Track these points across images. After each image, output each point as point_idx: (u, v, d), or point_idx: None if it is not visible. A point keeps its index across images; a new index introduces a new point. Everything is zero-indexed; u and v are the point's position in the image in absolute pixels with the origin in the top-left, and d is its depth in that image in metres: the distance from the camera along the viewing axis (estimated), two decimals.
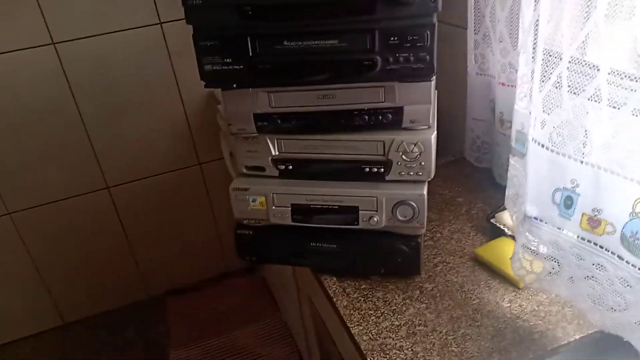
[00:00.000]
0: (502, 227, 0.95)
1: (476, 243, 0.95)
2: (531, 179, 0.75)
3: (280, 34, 0.69)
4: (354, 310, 0.82)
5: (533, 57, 0.75)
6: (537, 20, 0.75)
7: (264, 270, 1.94)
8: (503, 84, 0.94)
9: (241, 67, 0.71)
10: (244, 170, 0.84)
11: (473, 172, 1.14)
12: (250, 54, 0.71)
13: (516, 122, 0.84)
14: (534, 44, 0.76)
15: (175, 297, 2.00)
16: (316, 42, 0.69)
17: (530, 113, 0.75)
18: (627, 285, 0.66)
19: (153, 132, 1.70)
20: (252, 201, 0.84)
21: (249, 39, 0.70)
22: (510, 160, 0.88)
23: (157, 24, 1.53)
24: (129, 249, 1.87)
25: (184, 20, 1.54)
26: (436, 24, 0.67)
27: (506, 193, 0.93)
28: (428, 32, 0.67)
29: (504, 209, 0.96)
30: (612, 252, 0.67)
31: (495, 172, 1.07)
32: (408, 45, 0.68)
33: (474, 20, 0.97)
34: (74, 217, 1.73)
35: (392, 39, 0.68)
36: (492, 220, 0.97)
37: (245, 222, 0.87)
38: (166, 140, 1.73)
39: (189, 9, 0.67)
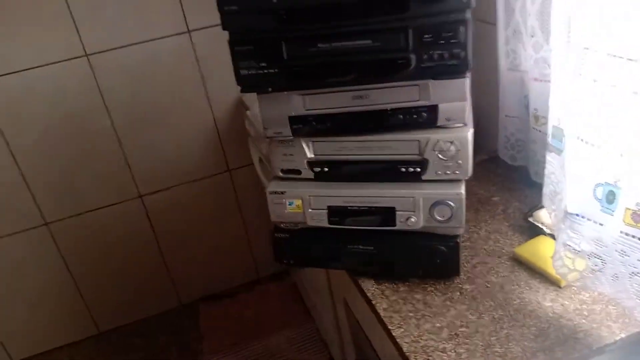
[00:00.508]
0: (540, 225, 0.93)
1: (514, 243, 0.93)
2: (571, 174, 0.73)
3: (314, 36, 0.69)
4: (394, 313, 0.81)
5: (569, 51, 0.74)
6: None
7: (295, 276, 1.95)
8: (536, 79, 0.93)
9: (276, 70, 0.72)
10: (280, 174, 0.85)
11: (508, 171, 1.12)
12: (285, 57, 0.71)
13: (552, 117, 0.82)
14: (568, 37, 0.75)
15: (207, 304, 2.02)
16: (350, 42, 0.69)
17: (567, 108, 0.74)
18: None
19: (183, 139, 1.72)
20: (289, 204, 0.84)
21: (283, 43, 0.70)
22: (547, 156, 0.87)
23: (185, 32, 1.55)
24: (161, 257, 1.90)
25: (212, 27, 1.56)
26: (470, 19, 0.67)
27: (543, 191, 0.92)
28: (462, 28, 0.67)
29: (542, 207, 0.94)
30: None
31: (531, 170, 1.05)
32: (442, 42, 0.68)
33: (503, 15, 0.96)
34: (107, 227, 1.77)
35: (425, 36, 0.68)
36: (529, 219, 0.95)
37: (282, 225, 0.88)
38: (195, 148, 1.76)
39: (225, 15, 0.68)
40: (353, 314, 1.10)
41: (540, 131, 0.97)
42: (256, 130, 1.51)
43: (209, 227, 1.92)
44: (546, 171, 0.88)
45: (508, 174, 1.12)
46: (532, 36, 0.89)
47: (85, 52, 1.48)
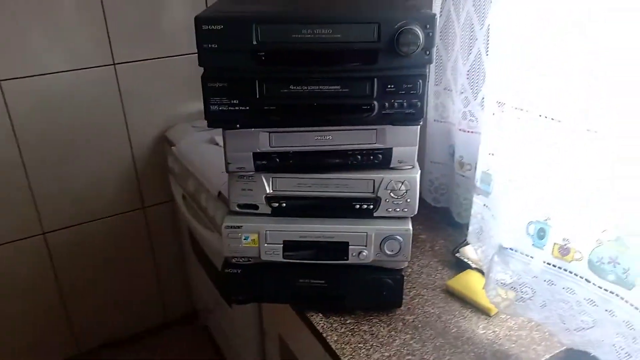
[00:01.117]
0: (466, 260, 1.03)
1: (444, 276, 1.02)
2: (505, 213, 0.84)
3: (288, 78, 0.74)
4: (345, 345, 0.85)
5: (500, 108, 0.86)
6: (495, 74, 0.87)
7: (206, 318, 1.89)
8: (463, 130, 1.05)
9: (247, 108, 0.75)
10: (236, 209, 0.86)
11: (431, 212, 1.23)
12: (257, 96, 0.74)
13: (481, 164, 0.93)
14: (496, 96, 0.87)
15: (110, 351, 1.88)
16: (320, 87, 0.74)
17: (500, 156, 0.85)
18: (594, 305, 0.75)
19: (97, 174, 1.63)
20: (244, 239, 0.85)
21: (257, 82, 0.74)
22: (474, 199, 0.98)
23: (110, 64, 1.51)
24: (61, 299, 1.74)
25: (139, 62, 1.54)
26: (427, 74, 0.76)
27: (470, 229, 1.02)
28: (421, 82, 0.75)
29: (467, 244, 1.05)
30: (580, 276, 0.76)
31: (454, 211, 1.16)
32: (403, 92, 0.75)
33: (434, 73, 1.08)
34: (2, 267, 1.60)
35: (389, 86, 0.75)
36: (456, 255, 1.05)
37: (233, 260, 0.88)
38: (110, 183, 1.67)
39: (203, 53, 0.70)
40: (289, 350, 1.11)
41: (464, 176, 1.09)
42: (182, 167, 1.49)
43: (117, 266, 1.81)
44: (473, 211, 0.99)
45: (432, 214, 1.22)
46: (462, 92, 1.01)
47: None
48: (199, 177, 1.36)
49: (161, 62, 1.58)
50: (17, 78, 1.40)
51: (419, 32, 0.68)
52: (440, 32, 1.02)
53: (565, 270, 0.78)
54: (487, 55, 0.88)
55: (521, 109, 0.80)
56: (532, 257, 0.81)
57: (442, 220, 1.20)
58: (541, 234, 0.78)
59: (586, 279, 0.75)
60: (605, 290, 0.73)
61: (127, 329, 1.92)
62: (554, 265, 0.78)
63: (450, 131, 1.10)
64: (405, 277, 1.00)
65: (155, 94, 1.61)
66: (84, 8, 1.43)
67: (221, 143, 0.82)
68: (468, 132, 1.04)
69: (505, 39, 0.81)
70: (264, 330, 1.27)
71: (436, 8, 0.98)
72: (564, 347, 0.83)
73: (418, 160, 1.22)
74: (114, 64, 1.51)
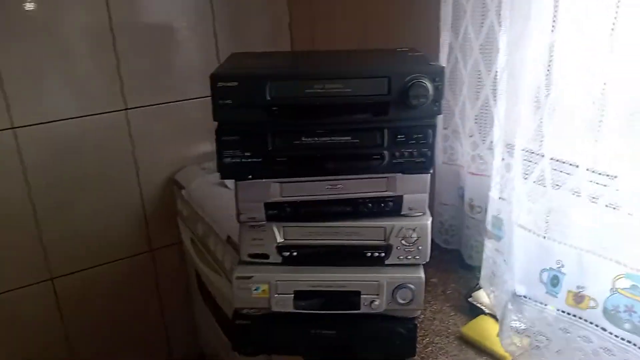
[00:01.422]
0: (479, 305, 1.02)
1: (457, 322, 1.00)
2: (517, 260, 0.83)
3: (299, 130, 0.75)
4: None
5: (508, 152, 0.87)
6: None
7: None
8: (472, 173, 1.06)
9: (259, 160, 0.76)
10: (247, 258, 0.86)
11: (441, 254, 1.22)
12: (270, 148, 0.75)
13: (492, 209, 0.94)
14: (506, 140, 0.88)
15: None
16: (331, 138, 0.75)
17: (510, 202, 0.85)
18: (612, 354, 0.74)
19: (106, 217, 1.64)
20: (255, 290, 0.85)
21: (269, 135, 0.75)
22: (485, 243, 0.97)
23: (122, 109, 1.54)
24: (66, 344, 1.72)
25: (150, 106, 1.57)
26: (437, 124, 0.77)
27: (482, 273, 1.01)
28: (431, 132, 0.76)
29: (479, 288, 1.04)
30: (596, 325, 0.75)
31: (464, 254, 1.15)
32: (413, 142, 0.76)
33: (443, 117, 1.09)
34: (10, 313, 1.59)
35: (399, 136, 0.76)
36: (469, 300, 1.04)
37: (244, 312, 0.87)
38: (118, 227, 1.68)
39: (218, 108, 0.71)
40: None
41: (474, 219, 1.08)
42: (191, 210, 1.50)
43: (123, 309, 1.80)
44: (485, 255, 0.98)
45: (442, 256, 1.21)
46: (470, 136, 1.02)
47: (12, 125, 1.41)
48: (208, 221, 1.36)
49: (172, 106, 1.61)
50: (30, 125, 1.43)
51: (428, 85, 0.70)
52: (448, 78, 1.03)
53: (580, 318, 0.77)
54: (494, 100, 0.89)
55: (531, 152, 0.81)
56: (545, 304, 0.80)
57: (453, 262, 1.19)
58: (555, 282, 0.78)
59: (602, 328, 0.75)
60: (622, 339, 0.72)
61: None
62: (569, 314, 0.78)
63: (459, 174, 1.11)
64: (418, 324, 0.99)
65: (165, 137, 1.64)
66: (97, 54, 1.47)
67: (231, 186, 0.82)
68: (477, 175, 1.04)
69: (513, 83, 0.82)
70: None
71: (443, 55, 1.00)
72: None
73: (428, 202, 1.23)
74: (126, 109, 1.54)
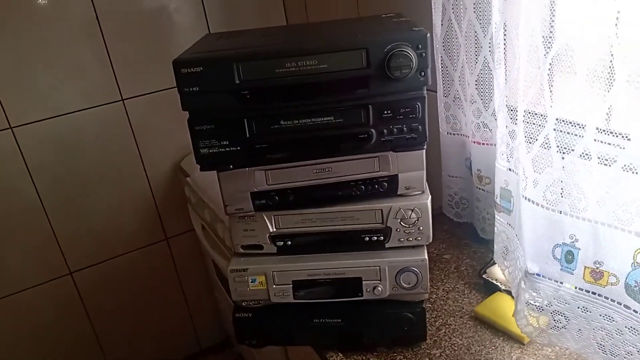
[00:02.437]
0: (495, 282, 0.96)
1: (472, 301, 0.95)
2: (529, 236, 0.77)
3: (276, 114, 0.69)
4: None
5: (512, 118, 0.79)
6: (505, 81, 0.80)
7: (241, 346, 1.86)
8: (478, 143, 0.98)
9: (238, 148, 0.71)
10: (240, 250, 0.82)
11: (454, 228, 1.16)
12: (248, 135, 0.70)
13: (499, 180, 0.87)
14: (508, 104, 0.80)
15: None
16: (312, 119, 0.70)
17: (517, 173, 0.78)
18: (638, 334, 0.67)
19: (116, 210, 1.63)
20: (252, 281, 0.81)
21: (245, 121, 0.69)
22: (496, 216, 0.91)
23: (119, 100, 1.50)
24: (94, 335, 1.75)
25: (147, 95, 1.53)
26: (426, 96, 0.70)
27: (495, 249, 0.95)
28: (419, 104, 0.69)
29: (493, 263, 0.98)
30: (618, 302, 0.69)
31: (477, 227, 1.09)
32: (401, 117, 0.70)
33: (442, 84, 1.01)
34: (35, 310, 1.61)
35: (385, 112, 0.70)
36: (484, 276, 0.98)
37: (244, 304, 0.84)
38: (130, 218, 1.67)
39: (185, 96, 0.66)
40: None
41: (484, 190, 1.01)
42: (198, 197, 1.47)
43: (146, 300, 1.81)
44: (496, 230, 0.92)
45: (455, 230, 1.15)
46: (473, 102, 0.94)
47: (10, 125, 1.39)
48: (214, 208, 1.33)
49: (168, 93, 1.57)
50: (29, 123, 1.41)
51: (410, 53, 0.63)
52: (443, 42, 0.95)
53: (600, 295, 0.70)
54: (494, 62, 0.81)
55: (535, 114, 0.73)
56: (561, 282, 0.73)
57: (465, 236, 1.13)
58: (569, 258, 0.71)
59: (625, 305, 0.68)
60: None
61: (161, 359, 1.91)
62: (587, 291, 0.71)
63: (465, 143, 1.03)
64: (430, 305, 0.94)
65: (166, 125, 1.60)
66: (87, 47, 1.43)
67: None
68: (483, 144, 0.97)
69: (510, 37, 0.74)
70: None
71: (437, 18, 0.92)
72: None
73: (436, 175, 1.16)
74: (122, 100, 1.51)
